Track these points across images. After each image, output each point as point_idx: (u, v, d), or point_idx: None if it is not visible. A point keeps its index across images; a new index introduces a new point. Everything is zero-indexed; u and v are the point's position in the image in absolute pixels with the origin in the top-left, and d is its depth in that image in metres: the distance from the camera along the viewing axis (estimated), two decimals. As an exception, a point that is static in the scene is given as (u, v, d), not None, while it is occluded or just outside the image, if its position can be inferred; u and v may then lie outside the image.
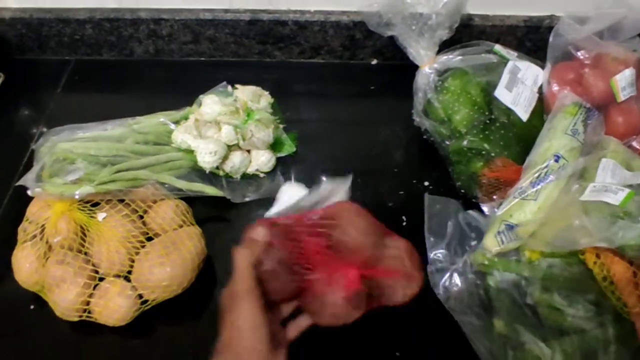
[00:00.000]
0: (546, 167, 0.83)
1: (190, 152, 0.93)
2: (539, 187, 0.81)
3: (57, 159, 0.88)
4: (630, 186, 0.78)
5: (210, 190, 0.92)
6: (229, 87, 1.02)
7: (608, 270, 0.76)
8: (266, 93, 1.01)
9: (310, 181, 0.97)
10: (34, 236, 0.81)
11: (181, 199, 0.90)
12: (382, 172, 0.99)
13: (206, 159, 0.91)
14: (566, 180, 0.81)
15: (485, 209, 0.90)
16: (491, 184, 0.88)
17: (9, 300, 0.84)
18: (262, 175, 0.97)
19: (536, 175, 0.82)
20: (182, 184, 0.90)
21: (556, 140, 0.85)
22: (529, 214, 0.81)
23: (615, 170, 0.81)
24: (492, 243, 0.82)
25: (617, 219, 0.74)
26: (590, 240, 0.75)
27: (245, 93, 0.98)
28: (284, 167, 1.00)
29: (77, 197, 0.82)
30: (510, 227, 0.81)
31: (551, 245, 0.78)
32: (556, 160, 0.83)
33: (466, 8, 1.03)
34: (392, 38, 0.98)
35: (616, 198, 0.76)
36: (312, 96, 1.12)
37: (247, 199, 0.94)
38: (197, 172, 0.93)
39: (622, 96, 0.89)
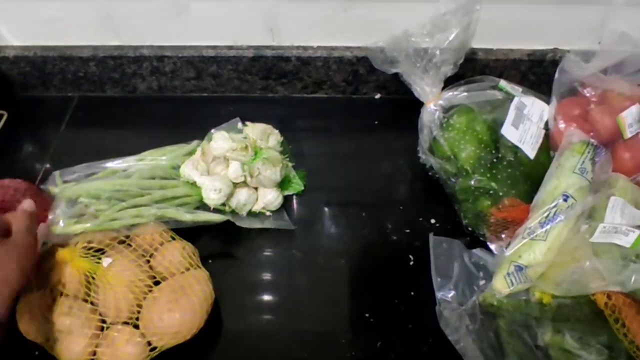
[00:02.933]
0: (555, 206, 0.82)
1: (197, 187, 0.92)
2: (548, 227, 0.81)
3: (69, 200, 0.88)
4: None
5: (215, 217, 0.92)
6: (239, 124, 1.02)
7: (620, 312, 0.76)
8: (276, 131, 1.01)
9: (315, 217, 0.97)
10: (39, 288, 0.80)
11: (186, 238, 0.89)
12: (387, 208, 0.99)
13: (211, 196, 0.91)
14: (575, 219, 0.81)
15: (493, 247, 0.89)
16: (499, 223, 0.88)
17: (13, 347, 0.83)
18: (268, 213, 0.96)
19: (545, 215, 0.82)
20: (187, 217, 0.90)
21: (564, 179, 0.84)
22: (538, 255, 0.80)
23: (625, 209, 0.81)
24: (501, 285, 0.81)
25: (629, 262, 0.74)
26: (603, 285, 0.75)
27: (254, 131, 0.98)
28: (289, 203, 0.99)
29: (79, 237, 0.82)
30: (520, 268, 0.80)
31: (560, 287, 0.78)
32: (565, 200, 0.82)
33: (470, 44, 1.03)
34: (395, 73, 0.98)
35: (627, 240, 0.76)
36: (315, 131, 1.12)
37: (251, 226, 0.95)
38: (204, 209, 0.93)
39: (629, 133, 0.89)
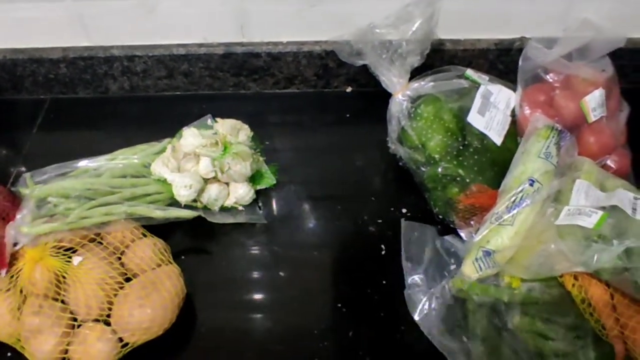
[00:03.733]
0: (521, 191, 0.83)
1: (168, 184, 0.93)
2: (515, 212, 0.81)
3: (39, 201, 0.88)
4: (603, 208, 0.79)
5: (186, 213, 0.92)
6: (209, 120, 1.02)
7: (586, 292, 0.77)
8: (246, 126, 1.01)
9: (289, 211, 0.98)
10: (8, 289, 0.80)
11: (158, 235, 0.89)
12: (359, 200, 0.99)
13: (182, 193, 0.91)
14: (541, 204, 0.82)
15: (462, 234, 0.90)
16: (467, 209, 0.88)
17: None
18: (240, 207, 0.97)
19: (512, 200, 0.83)
20: (157, 213, 0.90)
21: (530, 164, 0.85)
22: (506, 240, 0.81)
23: (589, 192, 0.82)
24: (470, 270, 0.82)
25: (591, 243, 0.75)
26: (567, 265, 0.76)
27: (224, 127, 0.99)
28: (263, 198, 1.00)
29: (50, 236, 0.82)
30: (488, 253, 0.81)
31: (528, 271, 0.79)
32: (531, 184, 0.83)
33: (437, 33, 1.04)
34: (365, 66, 0.99)
35: (590, 221, 0.76)
36: (288, 126, 1.13)
37: (223, 221, 0.95)
38: (176, 205, 0.93)
39: (592, 117, 0.90)
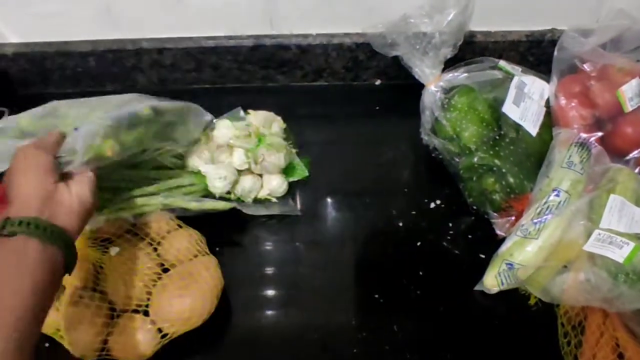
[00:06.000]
0: (546, 202, 0.82)
1: (202, 175, 0.93)
2: (541, 224, 0.81)
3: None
4: (636, 236, 0.78)
5: (221, 205, 0.92)
6: (241, 112, 1.02)
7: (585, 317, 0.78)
8: (279, 118, 1.01)
9: (320, 204, 0.97)
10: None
11: (192, 226, 0.89)
12: (392, 192, 0.99)
13: (216, 184, 0.91)
14: (569, 217, 0.80)
15: (496, 227, 0.90)
16: (507, 209, 0.88)
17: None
18: (274, 200, 0.96)
19: (537, 211, 0.82)
20: (193, 205, 0.90)
21: (554, 174, 0.85)
22: (530, 254, 0.80)
23: (624, 210, 0.80)
24: (492, 283, 0.82)
25: (619, 282, 0.74)
26: (589, 299, 0.76)
27: (257, 118, 0.98)
28: (294, 192, 0.99)
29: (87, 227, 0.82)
30: (511, 267, 0.81)
31: (545, 293, 0.79)
32: (557, 195, 0.82)
33: (468, 25, 1.04)
34: (395, 58, 0.99)
35: (620, 254, 0.76)
36: (316, 119, 1.12)
37: (257, 213, 0.95)
38: (210, 197, 0.93)
39: (629, 106, 0.89)
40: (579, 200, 0.81)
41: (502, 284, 0.81)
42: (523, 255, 0.80)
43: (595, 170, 0.85)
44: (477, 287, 0.83)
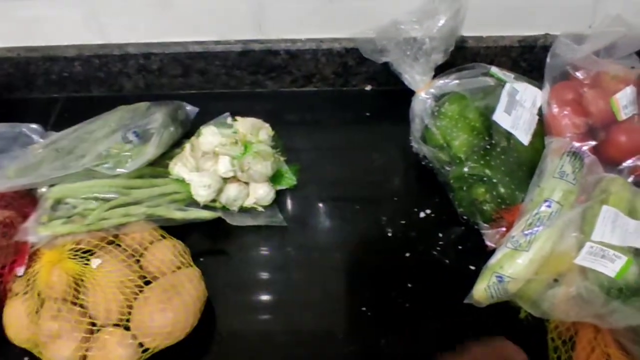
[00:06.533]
0: (537, 213, 0.80)
1: (187, 184, 0.91)
2: (532, 236, 0.78)
3: (57, 202, 0.87)
4: (629, 250, 0.75)
5: (206, 214, 0.90)
6: (229, 119, 1.00)
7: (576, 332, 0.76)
8: (267, 125, 0.99)
9: (308, 212, 0.96)
10: (25, 292, 0.78)
11: (177, 236, 0.87)
12: (381, 200, 0.97)
13: (200, 193, 0.89)
14: (560, 229, 0.78)
15: (486, 238, 0.88)
16: (498, 220, 0.86)
17: (1, 353, 0.81)
18: (260, 208, 0.95)
19: (528, 222, 0.80)
20: (177, 214, 0.88)
21: (546, 184, 0.82)
22: (520, 266, 0.78)
23: (617, 221, 0.78)
24: (481, 296, 0.80)
25: (611, 298, 0.72)
26: (580, 314, 0.73)
27: (244, 125, 0.97)
28: (283, 198, 0.98)
29: (67, 238, 0.81)
30: (501, 279, 0.78)
31: (535, 308, 0.77)
32: (548, 206, 0.80)
33: (460, 30, 1.02)
34: (385, 64, 0.97)
35: (612, 268, 0.73)
36: (306, 125, 1.11)
37: (242, 224, 0.93)
38: (194, 205, 0.92)
39: (623, 115, 0.87)
40: (571, 212, 0.79)
41: (492, 297, 0.79)
42: (513, 268, 0.78)
43: (588, 180, 0.83)
44: (467, 300, 0.81)
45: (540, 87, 0.94)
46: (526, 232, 0.79)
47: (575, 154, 0.83)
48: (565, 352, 0.75)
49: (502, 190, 0.86)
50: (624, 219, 0.78)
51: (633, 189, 0.83)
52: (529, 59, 1.08)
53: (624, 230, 0.77)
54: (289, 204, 0.98)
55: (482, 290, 0.79)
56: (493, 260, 0.80)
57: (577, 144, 0.86)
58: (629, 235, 0.77)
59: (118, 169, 0.87)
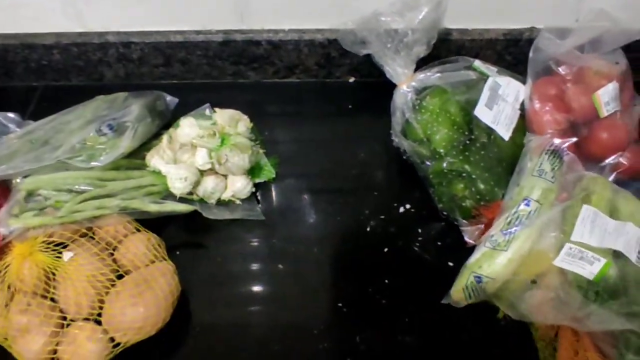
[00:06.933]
0: (516, 212, 0.79)
1: (163, 176, 0.90)
2: (510, 236, 0.77)
3: (30, 194, 0.85)
4: (608, 252, 0.75)
5: (182, 207, 0.89)
6: (207, 110, 0.99)
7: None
8: (245, 117, 0.98)
9: (288, 205, 0.95)
10: (-6, 284, 0.77)
11: (152, 229, 0.86)
12: (361, 194, 0.96)
13: (176, 185, 0.88)
14: (539, 228, 0.77)
15: (465, 234, 0.87)
16: (477, 217, 0.86)
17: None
18: (238, 201, 0.93)
19: (507, 221, 0.79)
20: (152, 207, 0.87)
21: (525, 183, 0.82)
22: (499, 267, 0.77)
23: (596, 221, 0.77)
24: (459, 297, 0.79)
25: (588, 302, 0.72)
26: (558, 317, 0.73)
27: (223, 117, 0.95)
28: (262, 191, 0.97)
29: (39, 230, 0.80)
30: (479, 280, 0.77)
31: (513, 309, 0.76)
32: (527, 205, 0.79)
33: (444, 23, 1.00)
34: (368, 56, 0.96)
35: (591, 270, 0.73)
36: (288, 116, 1.09)
37: (220, 217, 0.92)
38: (171, 198, 0.90)
39: (605, 111, 0.86)
40: (551, 210, 0.78)
41: (470, 297, 0.78)
42: (492, 268, 0.77)
43: (568, 179, 0.82)
44: (445, 301, 0.80)
45: (525, 82, 0.93)
46: (505, 231, 0.78)
47: (554, 152, 0.82)
48: (550, 356, 0.75)
49: (481, 186, 0.85)
50: (604, 218, 0.77)
51: (614, 188, 0.83)
52: (514, 52, 1.06)
53: (603, 230, 0.76)
54: (268, 196, 0.97)
55: (460, 291, 0.79)
56: (472, 259, 0.79)
57: (556, 142, 0.85)
58: (607, 235, 0.76)
59: (92, 162, 0.85)
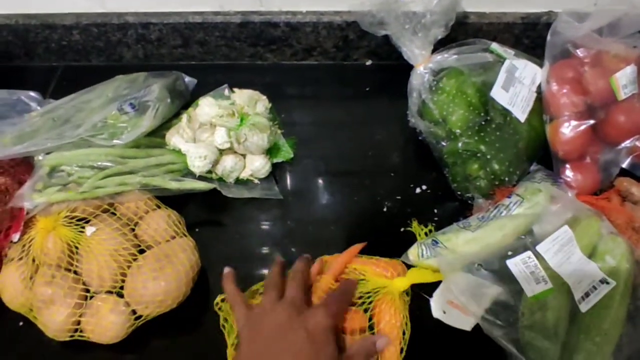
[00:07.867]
0: (499, 205, 0.84)
1: (183, 154, 0.91)
2: (483, 221, 0.82)
3: (53, 170, 0.87)
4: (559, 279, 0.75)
5: (201, 185, 0.90)
6: (226, 91, 1.00)
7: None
8: (264, 97, 0.99)
9: (305, 185, 0.96)
10: (20, 257, 0.79)
11: (172, 206, 0.88)
12: (378, 175, 0.97)
13: (196, 163, 0.89)
14: (514, 225, 0.80)
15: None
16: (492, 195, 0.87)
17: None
18: (256, 181, 0.95)
19: (491, 211, 0.84)
20: (172, 185, 0.88)
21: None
22: (459, 240, 0.81)
23: (567, 246, 0.77)
24: (413, 252, 0.83)
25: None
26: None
27: (242, 97, 0.96)
28: (279, 171, 0.98)
29: (62, 205, 0.82)
30: (436, 243, 0.81)
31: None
32: (508, 196, 0.83)
33: (462, 5, 1.01)
34: (386, 38, 0.96)
35: (532, 289, 0.74)
36: (305, 98, 1.10)
37: (238, 196, 0.93)
38: (190, 176, 0.92)
39: (622, 94, 0.86)
40: (536, 225, 0.80)
41: (421, 255, 0.81)
42: (451, 241, 0.81)
43: (568, 206, 0.82)
44: (402, 258, 0.83)
45: (542, 65, 0.93)
46: (480, 216, 0.82)
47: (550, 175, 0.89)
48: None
49: (496, 166, 0.86)
50: (575, 248, 0.77)
51: (608, 229, 0.80)
52: (532, 36, 1.06)
53: (567, 258, 0.76)
54: (285, 176, 0.98)
55: (415, 247, 0.82)
56: (441, 230, 0.84)
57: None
58: (568, 264, 0.76)
59: (113, 140, 0.86)
